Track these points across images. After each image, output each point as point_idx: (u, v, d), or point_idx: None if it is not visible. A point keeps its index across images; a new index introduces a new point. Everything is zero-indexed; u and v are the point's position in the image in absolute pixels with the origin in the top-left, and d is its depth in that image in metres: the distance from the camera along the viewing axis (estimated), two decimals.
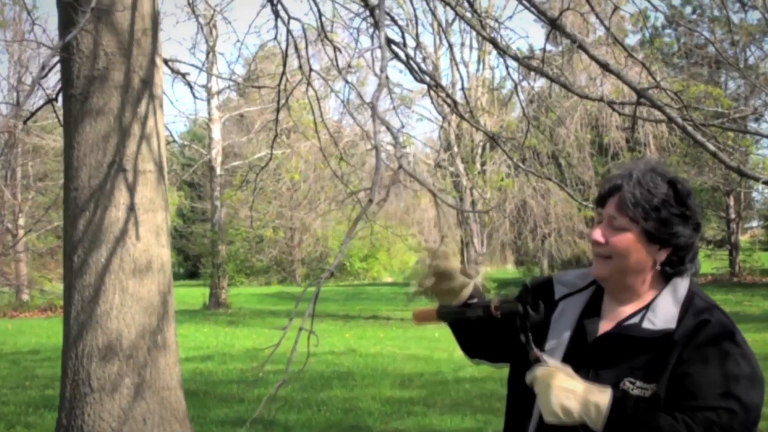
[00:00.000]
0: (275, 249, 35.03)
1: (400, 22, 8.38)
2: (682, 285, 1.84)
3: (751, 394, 1.68)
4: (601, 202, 1.87)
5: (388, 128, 1.90)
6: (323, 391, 8.78)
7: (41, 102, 7.94)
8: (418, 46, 7.23)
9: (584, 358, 1.82)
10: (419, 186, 17.86)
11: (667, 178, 1.84)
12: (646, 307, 1.82)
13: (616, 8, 5.16)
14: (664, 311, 1.79)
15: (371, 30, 6.52)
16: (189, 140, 30.48)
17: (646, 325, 1.79)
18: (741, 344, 1.74)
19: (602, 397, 1.70)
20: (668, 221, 1.80)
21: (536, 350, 1.80)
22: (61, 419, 4.62)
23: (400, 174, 1.78)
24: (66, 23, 4.63)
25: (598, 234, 1.84)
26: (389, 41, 5.93)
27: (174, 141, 21.40)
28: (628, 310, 1.85)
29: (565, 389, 1.71)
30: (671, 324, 1.77)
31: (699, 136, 4.49)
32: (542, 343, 1.87)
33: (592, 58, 4.83)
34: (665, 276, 1.84)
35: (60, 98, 5.27)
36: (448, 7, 7.98)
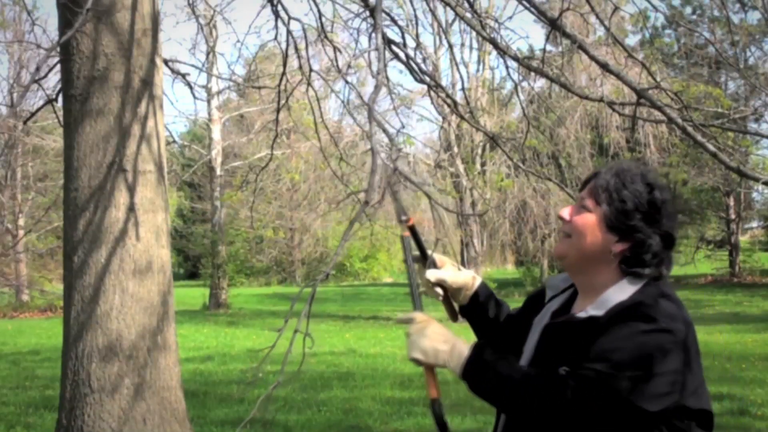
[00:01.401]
0: (275, 249, 35.05)
1: (400, 23, 8.38)
2: (635, 283, 1.81)
3: (640, 362, 1.65)
4: (582, 186, 1.93)
5: (384, 130, 1.91)
6: (323, 391, 8.78)
7: (41, 102, 7.94)
8: (418, 46, 7.23)
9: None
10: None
11: (648, 182, 1.84)
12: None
13: (616, 8, 5.16)
14: (603, 301, 1.80)
15: (371, 30, 6.52)
16: (189, 141, 30.49)
17: (580, 314, 1.81)
18: (655, 321, 1.69)
19: (467, 346, 1.82)
20: (630, 214, 1.81)
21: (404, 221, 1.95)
22: (61, 420, 4.62)
23: (396, 176, 1.78)
24: (66, 24, 4.63)
25: (564, 211, 1.92)
26: (389, 41, 5.92)
27: (174, 141, 21.39)
28: (581, 311, 1.86)
29: (442, 335, 1.84)
30: (601, 311, 1.77)
31: (699, 137, 4.49)
32: (523, 344, 1.96)
33: (592, 58, 4.83)
34: (624, 274, 1.84)
35: (60, 99, 5.27)
36: (448, 8, 7.98)
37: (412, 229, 1.97)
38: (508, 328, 2.08)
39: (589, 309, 1.81)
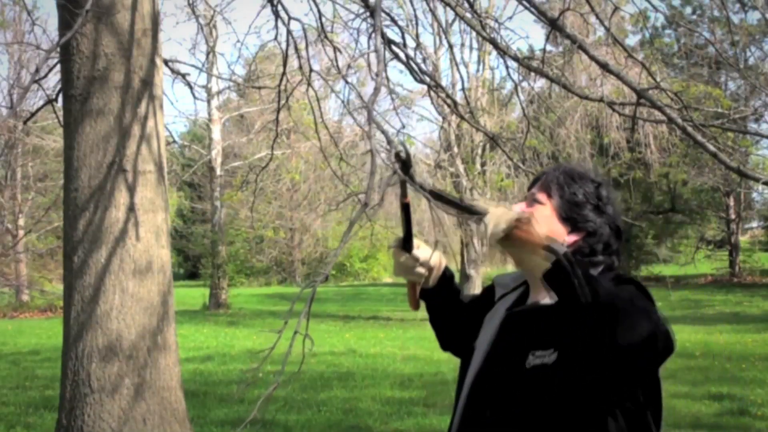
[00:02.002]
0: (275, 249, 35.02)
1: (400, 23, 8.38)
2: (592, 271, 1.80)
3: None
4: (531, 185, 1.97)
5: (383, 132, 1.90)
6: (323, 391, 8.78)
7: (41, 102, 7.94)
8: (418, 46, 7.23)
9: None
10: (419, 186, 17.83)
11: (593, 179, 1.91)
12: None
13: (616, 9, 5.16)
14: None
15: (371, 31, 6.53)
16: (189, 141, 30.48)
17: (544, 301, 1.82)
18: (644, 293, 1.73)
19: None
20: (581, 204, 1.87)
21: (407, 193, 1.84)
22: (61, 420, 4.62)
23: (396, 177, 1.75)
24: (65, 24, 4.63)
25: (516, 207, 1.92)
26: (389, 41, 5.93)
27: (174, 141, 21.36)
28: (542, 300, 1.86)
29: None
30: None
31: (699, 137, 4.48)
32: (475, 340, 1.94)
33: (592, 58, 4.83)
34: None
35: (60, 99, 5.27)
36: (448, 8, 7.98)
37: (406, 210, 1.88)
38: (467, 316, 2.04)
39: (552, 296, 1.76)
